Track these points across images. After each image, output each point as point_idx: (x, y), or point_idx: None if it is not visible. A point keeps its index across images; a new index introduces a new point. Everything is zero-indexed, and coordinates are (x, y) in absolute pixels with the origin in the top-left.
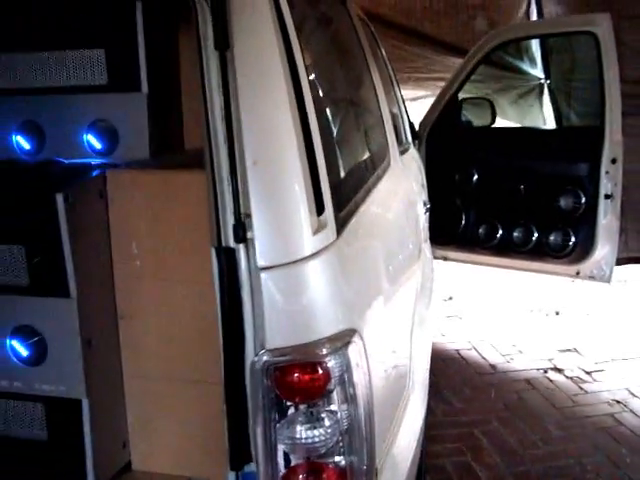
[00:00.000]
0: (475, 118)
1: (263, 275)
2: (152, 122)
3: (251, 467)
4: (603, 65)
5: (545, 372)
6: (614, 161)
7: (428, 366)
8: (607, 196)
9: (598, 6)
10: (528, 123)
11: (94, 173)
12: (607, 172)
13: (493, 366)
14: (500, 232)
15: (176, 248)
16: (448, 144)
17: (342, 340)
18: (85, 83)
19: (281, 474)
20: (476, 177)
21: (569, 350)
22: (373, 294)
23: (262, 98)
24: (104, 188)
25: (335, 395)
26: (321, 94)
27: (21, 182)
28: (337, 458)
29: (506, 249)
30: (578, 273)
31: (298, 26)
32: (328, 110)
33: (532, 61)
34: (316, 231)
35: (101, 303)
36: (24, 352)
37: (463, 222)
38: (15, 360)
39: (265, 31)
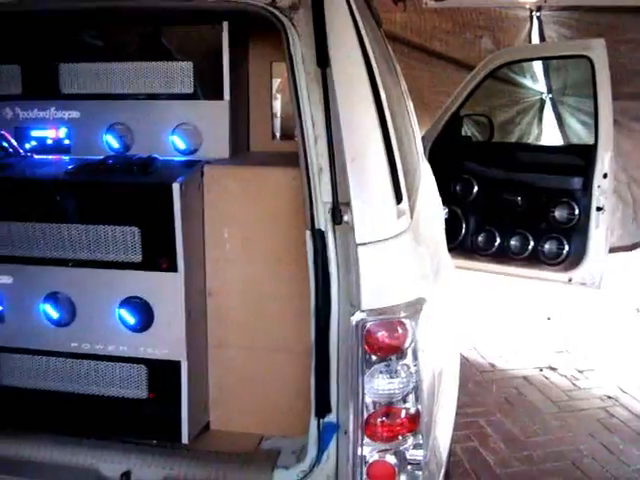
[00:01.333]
0: (475, 133)
1: (360, 250)
2: (232, 127)
3: (330, 417)
4: (597, 87)
5: (541, 370)
6: (605, 176)
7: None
8: (598, 208)
9: (595, 31)
10: (527, 138)
11: (193, 168)
12: (599, 186)
13: (492, 365)
14: (498, 240)
15: (261, 234)
16: (449, 157)
17: (417, 306)
18: (173, 91)
19: (366, 416)
20: (476, 189)
21: (561, 352)
22: (432, 271)
23: (355, 107)
24: (201, 181)
25: (409, 352)
26: (388, 105)
27: (130, 174)
28: (408, 404)
29: (504, 256)
30: (570, 280)
31: (370, 46)
32: (393, 117)
33: (533, 77)
34: (398, 216)
35: (197, 280)
36: (132, 320)
37: (463, 230)
38: (123, 327)
39: (354, 52)
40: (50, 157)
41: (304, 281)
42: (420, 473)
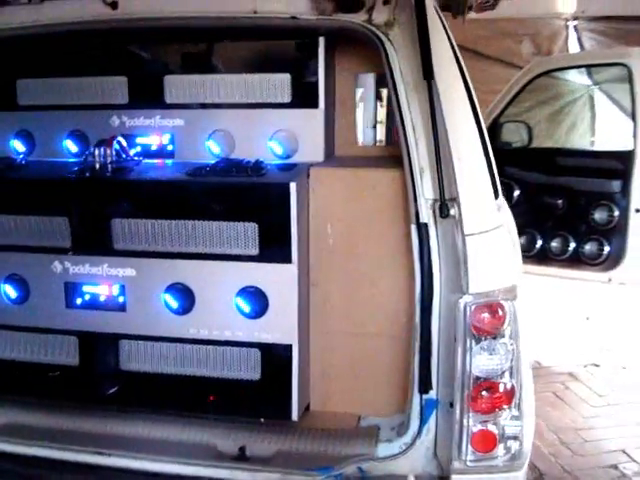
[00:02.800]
0: (514, 139)
1: (468, 240)
2: (325, 133)
3: (430, 394)
4: (635, 94)
5: (585, 367)
6: None
7: None
8: (637, 210)
9: (630, 39)
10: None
11: (300, 169)
12: (638, 189)
13: (538, 362)
14: (540, 242)
15: (361, 230)
16: None
17: (514, 290)
18: (272, 100)
19: (471, 389)
20: (517, 192)
21: (603, 349)
22: (518, 261)
23: (457, 113)
24: (307, 181)
25: (507, 332)
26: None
27: (246, 175)
28: (506, 380)
29: (545, 258)
30: (610, 280)
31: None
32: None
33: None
34: (498, 210)
35: (304, 271)
36: (247, 308)
37: None
38: (239, 314)
39: (452, 65)
40: (155, 161)
41: (400, 271)
42: (516, 443)
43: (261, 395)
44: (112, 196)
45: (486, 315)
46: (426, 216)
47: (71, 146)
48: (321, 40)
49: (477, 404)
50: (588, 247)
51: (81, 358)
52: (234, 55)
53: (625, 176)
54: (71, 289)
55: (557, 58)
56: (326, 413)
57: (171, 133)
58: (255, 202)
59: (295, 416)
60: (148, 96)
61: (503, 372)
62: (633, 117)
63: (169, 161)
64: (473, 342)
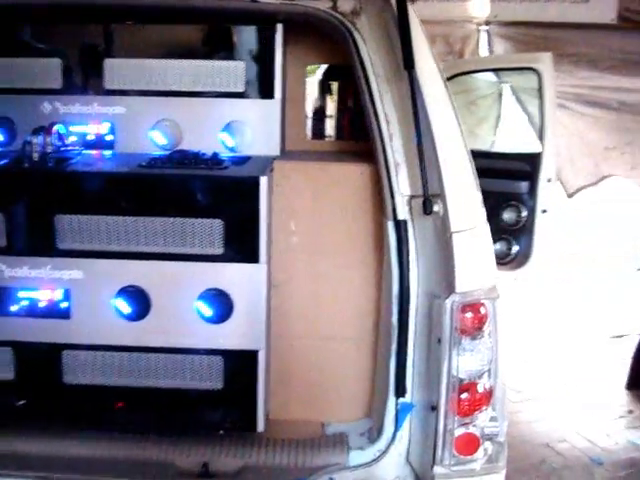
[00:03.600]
0: None
1: (455, 237)
2: (282, 125)
3: (405, 398)
4: (544, 98)
5: None
6: (549, 180)
7: None
8: (544, 211)
9: (540, 45)
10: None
11: (265, 163)
12: (544, 189)
13: None
14: None
15: (327, 227)
16: None
17: (496, 289)
18: (224, 90)
19: (456, 391)
20: None
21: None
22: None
23: (439, 105)
24: (271, 175)
25: (489, 332)
26: None
27: (209, 168)
28: (485, 380)
29: None
30: (516, 279)
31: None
32: None
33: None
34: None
35: (270, 271)
36: (210, 312)
37: None
38: (201, 319)
39: (430, 56)
40: (95, 152)
41: (366, 271)
42: (494, 445)
43: (224, 406)
44: (56, 189)
45: (470, 315)
46: (402, 213)
47: None
48: (279, 27)
49: (460, 406)
50: (498, 247)
51: (17, 372)
52: (184, 39)
53: (532, 178)
54: (6, 294)
55: (469, 61)
56: (287, 422)
57: (111, 122)
58: (222, 197)
59: (261, 427)
60: (85, 81)
61: (483, 373)
62: (541, 120)
63: (108, 152)
64: (458, 343)
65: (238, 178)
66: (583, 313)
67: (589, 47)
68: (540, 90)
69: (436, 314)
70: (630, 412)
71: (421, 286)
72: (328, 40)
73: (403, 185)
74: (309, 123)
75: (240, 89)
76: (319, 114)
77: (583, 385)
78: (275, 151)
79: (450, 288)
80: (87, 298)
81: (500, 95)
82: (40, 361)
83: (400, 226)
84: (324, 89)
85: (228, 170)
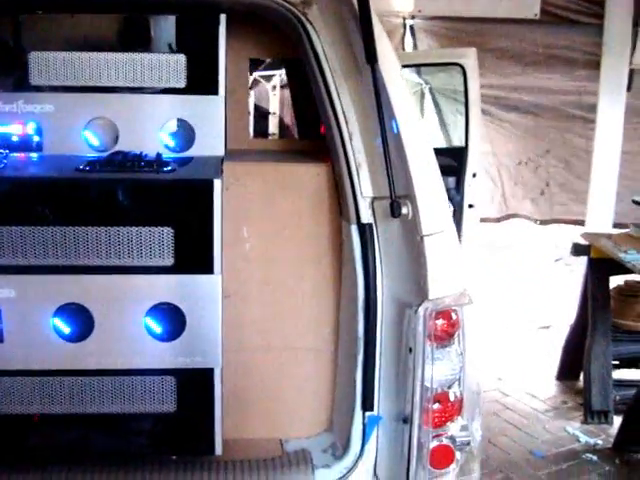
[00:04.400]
0: None
1: (426, 240)
2: (226, 123)
3: (372, 411)
4: (469, 93)
5: None
6: (474, 175)
7: None
8: (470, 206)
9: (463, 40)
10: None
11: (214, 164)
12: (470, 185)
13: None
14: None
15: (281, 232)
16: None
17: (467, 296)
18: (164, 85)
19: (431, 402)
20: None
21: None
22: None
23: (403, 102)
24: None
25: (458, 339)
26: None
27: (154, 171)
28: (456, 389)
29: None
30: None
31: None
32: None
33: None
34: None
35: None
36: (160, 329)
37: None
38: (150, 337)
39: (389, 50)
40: (21, 155)
41: (323, 278)
42: (467, 454)
43: (178, 429)
44: None
45: (441, 322)
46: (366, 216)
47: None
48: (222, 17)
49: (433, 417)
50: None
51: None
52: (120, 30)
53: (459, 173)
54: None
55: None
56: (242, 440)
57: (37, 121)
58: (171, 203)
59: (219, 450)
60: (8, 76)
61: (454, 381)
62: (466, 115)
63: (35, 155)
64: (430, 352)
65: (189, 181)
66: (512, 305)
67: (513, 42)
68: (465, 85)
69: (407, 322)
70: (564, 403)
71: (386, 293)
72: (271, 32)
73: (365, 187)
74: (251, 120)
75: (181, 84)
76: (261, 111)
77: (516, 377)
78: (219, 151)
79: (422, 295)
80: (21, 318)
81: (429, 94)
82: None
83: (365, 230)
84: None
85: (176, 173)
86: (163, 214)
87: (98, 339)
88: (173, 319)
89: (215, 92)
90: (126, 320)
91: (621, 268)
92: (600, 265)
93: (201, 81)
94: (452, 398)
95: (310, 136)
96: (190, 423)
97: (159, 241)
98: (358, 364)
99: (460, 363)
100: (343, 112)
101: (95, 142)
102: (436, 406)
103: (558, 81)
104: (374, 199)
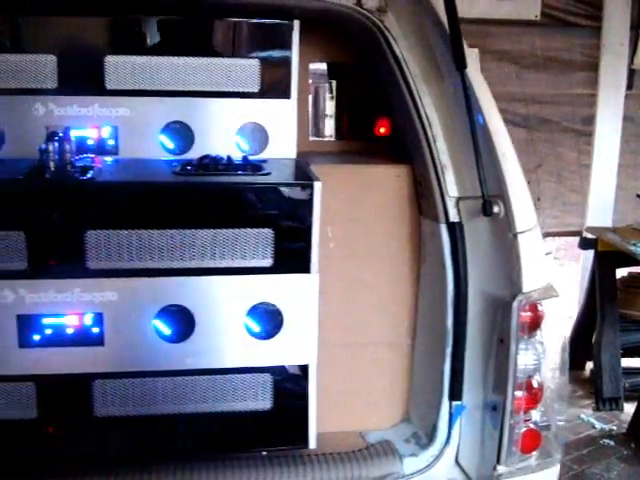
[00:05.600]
0: None
1: (520, 237)
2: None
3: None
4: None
5: None
6: None
7: None
8: None
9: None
10: None
11: (301, 167)
12: None
13: None
14: None
15: (363, 231)
16: None
17: (554, 289)
18: (238, 89)
19: (519, 389)
20: None
21: None
22: None
23: (491, 107)
24: None
25: (542, 329)
26: None
27: (251, 174)
28: (539, 376)
29: None
30: None
31: None
32: None
33: None
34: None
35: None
36: (258, 328)
37: None
38: (249, 336)
39: (471, 55)
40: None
41: (403, 275)
42: (548, 438)
43: (274, 424)
44: (86, 203)
45: (531, 314)
46: (453, 215)
47: None
48: (296, 23)
49: (521, 404)
50: None
51: (40, 409)
52: (195, 35)
53: None
54: (27, 323)
55: None
56: (322, 434)
57: (113, 125)
58: (272, 205)
59: (313, 443)
60: (84, 80)
61: (537, 369)
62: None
63: (108, 158)
64: (521, 342)
65: (290, 184)
66: None
67: (513, 44)
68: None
69: (499, 315)
70: (574, 392)
71: (473, 288)
72: (328, 38)
73: (451, 187)
74: (312, 123)
75: (255, 89)
76: (319, 113)
77: None
78: (291, 153)
79: (515, 289)
80: (123, 322)
81: None
82: (68, 395)
83: (455, 228)
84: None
85: (271, 176)
86: (264, 216)
87: (199, 339)
88: (271, 318)
89: (287, 96)
90: (226, 320)
91: (627, 260)
92: (607, 258)
93: (274, 85)
94: (535, 385)
95: (364, 137)
96: (285, 418)
97: (259, 242)
98: (446, 356)
99: (542, 352)
100: (426, 115)
101: (170, 145)
102: (524, 393)
103: (552, 89)
104: (459, 199)
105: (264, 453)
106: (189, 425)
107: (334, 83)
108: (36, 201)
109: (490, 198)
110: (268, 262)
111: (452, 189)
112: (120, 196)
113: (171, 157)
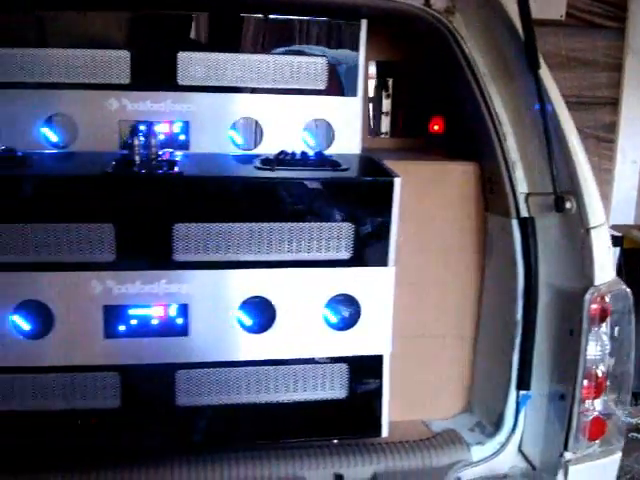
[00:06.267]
0: None
1: (593, 233)
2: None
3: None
4: None
5: None
6: None
7: None
8: None
9: None
10: None
11: (378, 162)
12: None
13: None
14: None
15: (430, 226)
16: None
17: (621, 282)
18: (306, 87)
19: (588, 378)
20: None
21: None
22: None
23: (560, 104)
24: None
25: (608, 321)
26: None
27: (331, 170)
28: (602, 365)
29: None
30: None
31: None
32: None
33: None
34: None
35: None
36: (336, 319)
37: None
38: (328, 327)
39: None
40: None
41: (469, 269)
42: (612, 425)
43: (349, 413)
44: (175, 196)
45: (598, 306)
46: (524, 211)
47: (50, 134)
48: (364, 22)
49: (589, 393)
50: None
51: (124, 399)
52: (264, 32)
53: None
54: (113, 314)
55: None
56: (389, 423)
57: (185, 120)
58: (354, 199)
59: (385, 432)
60: (157, 76)
61: (602, 358)
62: None
63: (179, 153)
64: (591, 333)
65: (373, 180)
66: None
67: (538, 43)
68: None
69: (569, 307)
70: None
71: (541, 280)
72: (383, 36)
73: (521, 184)
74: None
75: (322, 86)
76: (375, 111)
77: None
78: (356, 149)
79: (587, 282)
80: (207, 313)
81: None
82: (151, 384)
83: (526, 224)
84: (379, 86)
85: (351, 171)
86: (346, 210)
87: (279, 330)
88: (349, 309)
89: (354, 93)
90: (306, 312)
91: None
92: (634, 255)
93: (341, 83)
94: (600, 375)
95: (417, 135)
96: (359, 407)
97: (340, 236)
98: (515, 347)
99: (607, 343)
100: (496, 114)
101: (240, 141)
102: (590, 383)
103: (576, 90)
104: (528, 195)
105: (335, 441)
106: (266, 414)
107: (390, 81)
108: (127, 194)
109: (562, 194)
110: (348, 255)
111: (522, 185)
112: (208, 190)
113: (240, 152)
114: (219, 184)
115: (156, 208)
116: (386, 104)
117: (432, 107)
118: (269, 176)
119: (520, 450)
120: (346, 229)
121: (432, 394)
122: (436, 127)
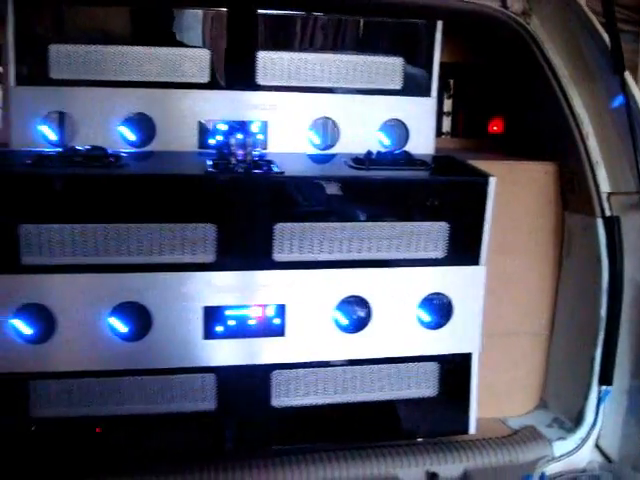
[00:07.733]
0: None
1: None
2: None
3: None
4: None
5: None
6: None
7: None
8: None
9: None
10: None
11: (462, 161)
12: None
13: None
14: None
15: (510, 225)
16: None
17: None
18: (381, 87)
19: None
20: None
21: None
22: None
23: None
24: None
25: None
26: None
27: (421, 169)
28: None
29: None
30: None
31: None
32: None
33: None
34: None
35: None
36: (429, 317)
37: None
38: (421, 326)
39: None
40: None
41: (545, 268)
42: None
43: (438, 411)
44: (278, 196)
45: None
46: (607, 209)
47: (128, 133)
48: (439, 24)
49: None
50: None
51: (219, 400)
52: (340, 32)
53: None
54: (212, 314)
55: None
56: None
57: (263, 120)
58: (450, 199)
59: (473, 429)
60: (236, 75)
61: None
62: None
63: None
64: None
65: (469, 180)
66: None
67: None
68: None
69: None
70: None
71: (627, 277)
72: (447, 38)
73: (603, 183)
74: None
75: (397, 86)
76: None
77: None
78: (430, 149)
79: None
80: (303, 313)
81: None
82: (247, 385)
83: (612, 222)
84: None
85: (440, 171)
86: (441, 210)
87: (374, 329)
88: (442, 308)
89: (428, 94)
90: (401, 310)
91: None
92: None
93: (417, 83)
94: None
95: (477, 135)
96: (448, 405)
97: (435, 235)
98: (598, 342)
99: None
100: (577, 114)
101: (317, 141)
102: None
103: None
104: (610, 194)
105: (419, 439)
106: (359, 413)
107: (451, 82)
108: (231, 194)
109: None
110: (442, 254)
111: (604, 185)
112: (310, 189)
113: (317, 152)
114: (321, 183)
115: (259, 208)
116: (447, 104)
117: (492, 108)
118: (366, 175)
119: (597, 446)
120: (441, 228)
121: (507, 392)
122: (495, 128)
